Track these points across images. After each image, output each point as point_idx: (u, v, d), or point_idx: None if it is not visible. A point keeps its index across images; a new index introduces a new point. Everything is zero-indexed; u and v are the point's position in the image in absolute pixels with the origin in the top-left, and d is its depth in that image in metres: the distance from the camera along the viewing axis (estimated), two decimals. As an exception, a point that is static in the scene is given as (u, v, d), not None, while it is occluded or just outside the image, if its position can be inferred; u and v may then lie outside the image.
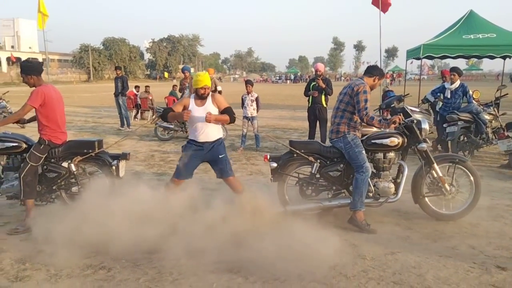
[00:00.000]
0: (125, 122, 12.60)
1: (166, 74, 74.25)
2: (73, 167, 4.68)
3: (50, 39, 64.11)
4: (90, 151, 4.70)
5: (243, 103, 9.12)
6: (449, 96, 8.20)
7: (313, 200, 4.63)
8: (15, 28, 73.15)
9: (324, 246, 3.69)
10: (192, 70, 13.94)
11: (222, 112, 4.57)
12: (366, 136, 4.62)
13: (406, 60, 13.62)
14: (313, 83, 8.49)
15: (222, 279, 3.31)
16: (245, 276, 3.35)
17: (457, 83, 8.08)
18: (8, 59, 58.36)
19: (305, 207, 4.58)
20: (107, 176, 4.68)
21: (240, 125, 8.80)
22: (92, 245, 3.70)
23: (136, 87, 15.48)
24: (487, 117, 8.03)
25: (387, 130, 4.53)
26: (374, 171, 4.60)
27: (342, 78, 73.53)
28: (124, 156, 4.92)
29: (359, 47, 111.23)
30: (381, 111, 9.21)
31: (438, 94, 8.75)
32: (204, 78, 4.46)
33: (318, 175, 4.65)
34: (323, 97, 8.45)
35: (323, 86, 8.27)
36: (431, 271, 3.41)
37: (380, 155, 4.56)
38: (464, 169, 4.59)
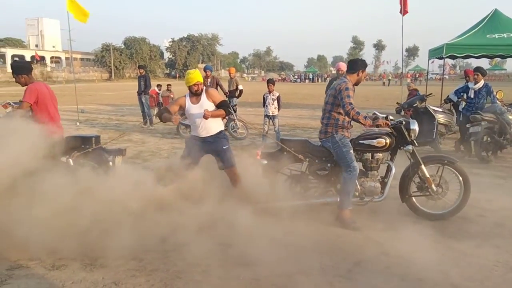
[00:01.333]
0: (148, 120, 12.84)
1: None
2: (71, 162, 4.81)
3: (73, 38, 65.36)
4: (88, 146, 4.87)
5: (264, 102, 9.23)
6: (472, 96, 8.12)
7: (302, 197, 4.71)
8: (39, 27, 74.95)
9: (347, 242, 3.79)
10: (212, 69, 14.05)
11: (217, 105, 4.74)
12: (356, 136, 4.69)
13: (429, 60, 13.49)
14: (334, 82, 8.53)
15: (248, 271, 3.41)
16: (271, 269, 3.45)
17: (481, 83, 8.00)
18: (33, 57, 59.72)
19: (294, 203, 4.64)
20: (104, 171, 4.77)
21: (261, 123, 8.90)
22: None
23: (158, 85, 15.73)
24: (511, 117, 7.93)
25: (377, 130, 4.58)
26: (363, 169, 4.66)
27: (362, 77, 72.55)
28: (120, 152, 5.11)
29: (379, 46, 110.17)
30: (402, 110, 9.22)
31: (462, 94, 8.67)
32: (195, 75, 4.65)
33: (307, 173, 4.74)
34: None
35: None
36: (455, 269, 3.45)
37: (368, 155, 4.61)
38: (453, 170, 4.62)
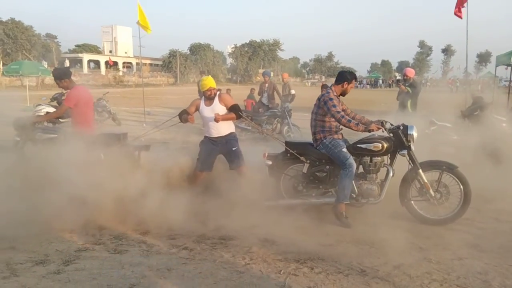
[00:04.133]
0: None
1: (257, 78, 75.85)
2: (102, 157, 5.19)
3: (144, 45, 69.03)
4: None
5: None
6: (540, 105, 7.69)
7: (302, 197, 4.86)
8: (113, 34, 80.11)
9: (390, 246, 3.86)
10: (271, 74, 14.51)
11: (229, 109, 5.09)
12: (355, 140, 4.81)
13: (496, 66, 12.85)
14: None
15: (289, 267, 3.61)
16: (310, 266, 3.62)
17: (550, 91, 7.55)
18: (107, 62, 63.94)
19: (295, 202, 4.82)
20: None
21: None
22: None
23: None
24: None
25: (376, 135, 4.72)
26: (363, 172, 4.76)
27: (428, 83, 69.29)
28: (145, 148, 5.54)
29: (447, 51, 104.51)
30: (464, 118, 8.88)
31: (529, 102, 8.22)
32: (209, 82, 5.07)
33: (308, 174, 4.88)
34: (409, 101, 8.37)
35: (404, 89, 8.28)
36: (498, 278, 3.41)
37: (366, 159, 4.72)
38: (453, 176, 4.57)
